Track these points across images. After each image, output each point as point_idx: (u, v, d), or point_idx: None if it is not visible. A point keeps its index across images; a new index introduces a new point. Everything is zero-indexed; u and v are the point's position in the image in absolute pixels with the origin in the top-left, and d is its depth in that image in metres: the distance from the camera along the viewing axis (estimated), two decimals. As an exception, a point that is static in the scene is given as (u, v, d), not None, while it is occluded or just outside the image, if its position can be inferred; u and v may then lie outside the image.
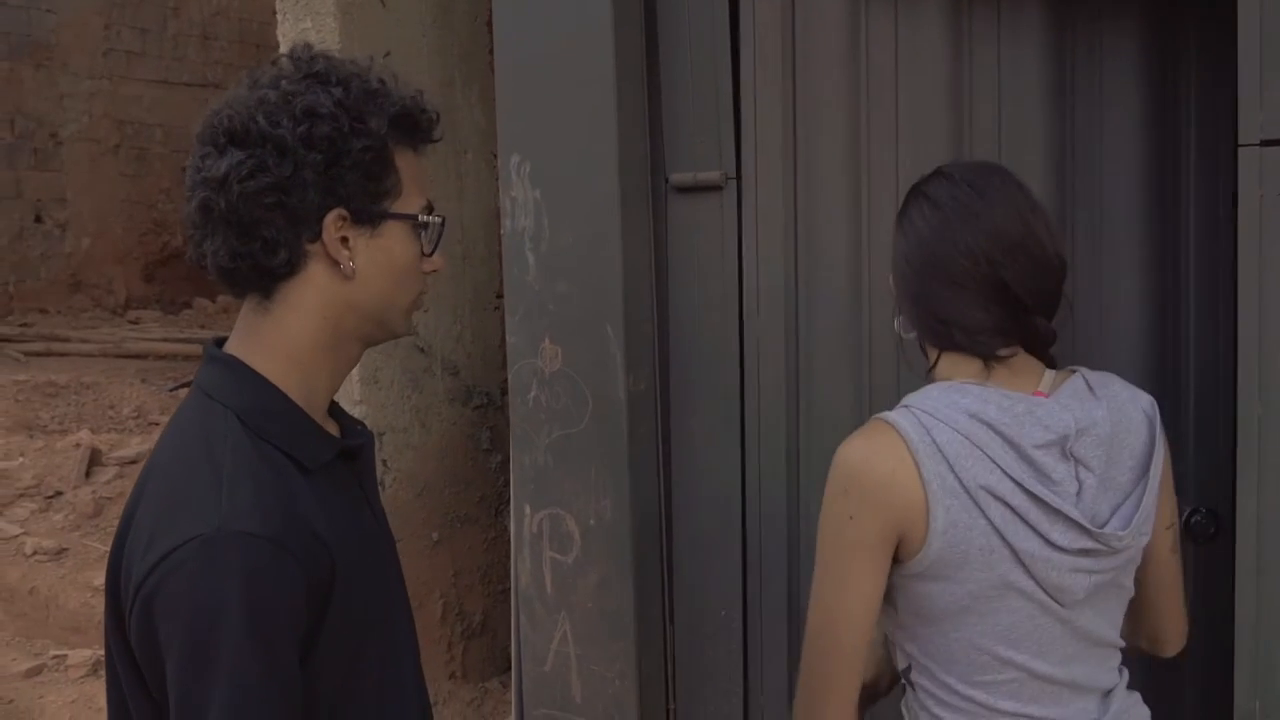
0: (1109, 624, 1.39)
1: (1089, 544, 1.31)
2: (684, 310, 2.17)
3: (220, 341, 1.41)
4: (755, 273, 2.10)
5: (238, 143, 1.29)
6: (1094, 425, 1.34)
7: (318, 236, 1.31)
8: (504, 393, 3.23)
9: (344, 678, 1.33)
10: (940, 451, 1.30)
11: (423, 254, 1.40)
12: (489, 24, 3.06)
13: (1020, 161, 1.75)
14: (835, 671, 1.37)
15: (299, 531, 1.25)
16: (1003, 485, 1.29)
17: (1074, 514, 1.30)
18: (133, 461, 5.02)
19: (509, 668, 3.29)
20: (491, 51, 3.07)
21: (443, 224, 1.41)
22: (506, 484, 3.23)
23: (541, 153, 2.14)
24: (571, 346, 2.14)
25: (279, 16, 2.68)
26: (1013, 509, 1.30)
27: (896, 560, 1.34)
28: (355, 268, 1.33)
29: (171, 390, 6.56)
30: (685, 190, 2.15)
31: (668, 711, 2.22)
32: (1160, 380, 1.85)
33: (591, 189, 2.09)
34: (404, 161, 1.37)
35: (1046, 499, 1.30)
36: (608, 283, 2.09)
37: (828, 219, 2.06)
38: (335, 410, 1.50)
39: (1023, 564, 1.31)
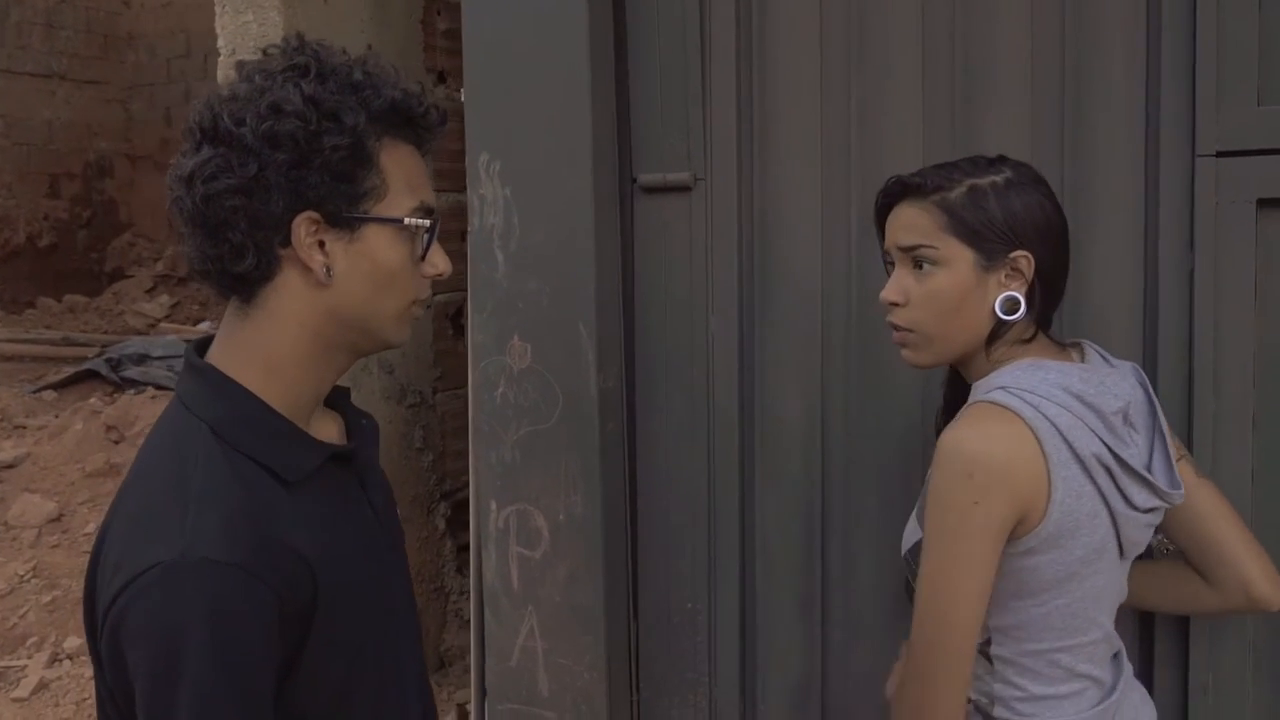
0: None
1: (1156, 501, 1.43)
2: (650, 308, 2.21)
3: (201, 345, 1.35)
4: (719, 272, 2.16)
5: (209, 140, 1.24)
6: (1131, 390, 1.47)
7: (288, 241, 1.25)
8: (435, 391, 3.23)
9: (333, 705, 1.29)
10: (1054, 425, 1.38)
11: (418, 257, 1.33)
12: (422, 22, 3.07)
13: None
14: (956, 658, 1.39)
15: (273, 554, 1.20)
16: (1104, 452, 1.39)
17: (1148, 475, 1.42)
18: (10, 465, 4.81)
19: (441, 666, 3.28)
20: (425, 49, 3.08)
21: (433, 226, 1.33)
22: (438, 483, 3.22)
23: (511, 151, 2.16)
24: (541, 344, 2.16)
25: (218, 8, 2.62)
26: (1111, 474, 1.39)
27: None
28: (334, 273, 1.27)
29: (34, 392, 6.30)
30: (653, 191, 2.19)
31: (632, 703, 2.25)
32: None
33: (564, 188, 2.12)
34: (393, 159, 1.30)
35: (1130, 462, 1.40)
36: (580, 281, 2.12)
37: (791, 220, 2.13)
38: (340, 401, 1.45)
39: (1116, 525, 1.41)
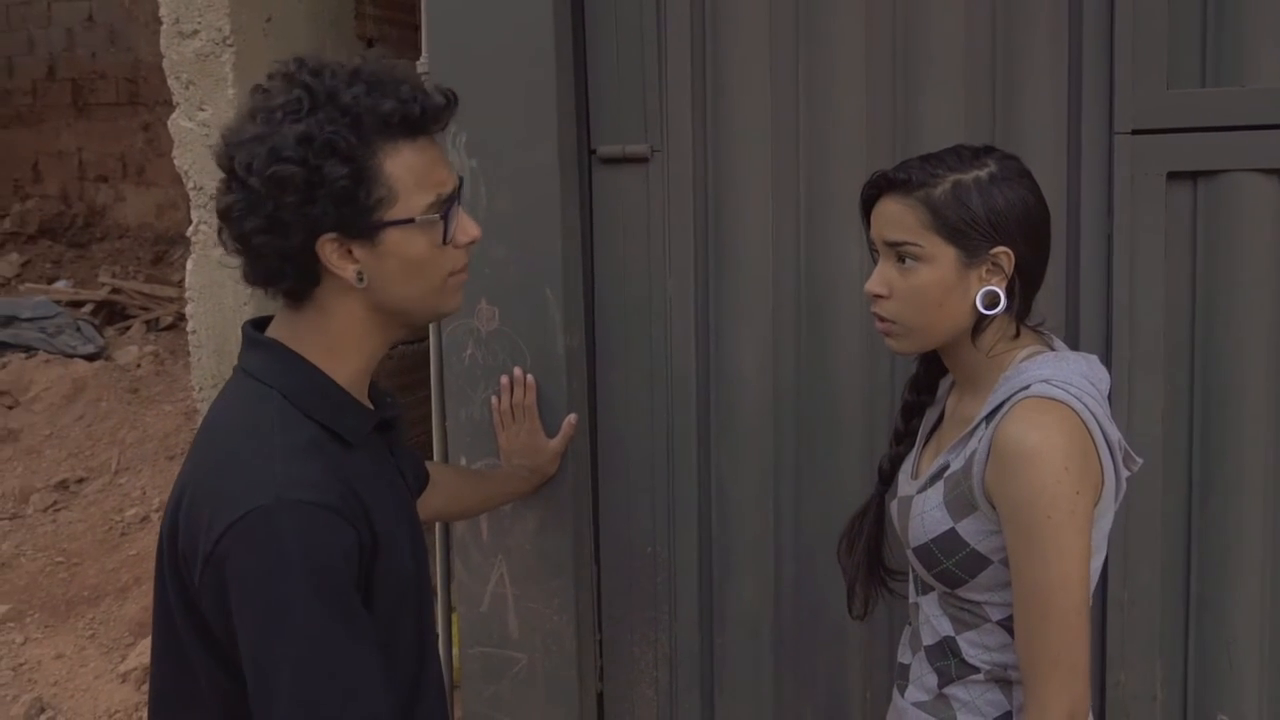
0: None
1: (1127, 472, 1.56)
2: (609, 272, 2.35)
3: (257, 323, 1.50)
4: (676, 237, 2.30)
5: (233, 181, 1.39)
6: (1107, 375, 1.61)
7: (318, 260, 1.40)
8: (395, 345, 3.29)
9: (389, 629, 1.44)
10: (1094, 416, 1.46)
11: (442, 240, 1.45)
12: (352, -10, 3.12)
13: (934, 139, 2.03)
14: (1087, 646, 1.43)
15: (348, 498, 1.36)
16: (1120, 438, 1.51)
17: (1131, 452, 1.56)
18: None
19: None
20: (356, 18, 3.13)
21: (449, 207, 1.45)
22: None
23: (478, 124, 2.25)
24: (509, 307, 2.27)
25: (161, -23, 2.64)
26: (1119, 453, 1.51)
27: None
28: (367, 277, 1.41)
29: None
30: (611, 162, 2.32)
31: (596, 641, 2.41)
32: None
33: (530, 159, 2.23)
34: (398, 161, 1.40)
35: (1121, 440, 1.53)
36: (547, 247, 2.24)
37: (743, 190, 2.29)
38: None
39: (1117, 498, 1.53)
